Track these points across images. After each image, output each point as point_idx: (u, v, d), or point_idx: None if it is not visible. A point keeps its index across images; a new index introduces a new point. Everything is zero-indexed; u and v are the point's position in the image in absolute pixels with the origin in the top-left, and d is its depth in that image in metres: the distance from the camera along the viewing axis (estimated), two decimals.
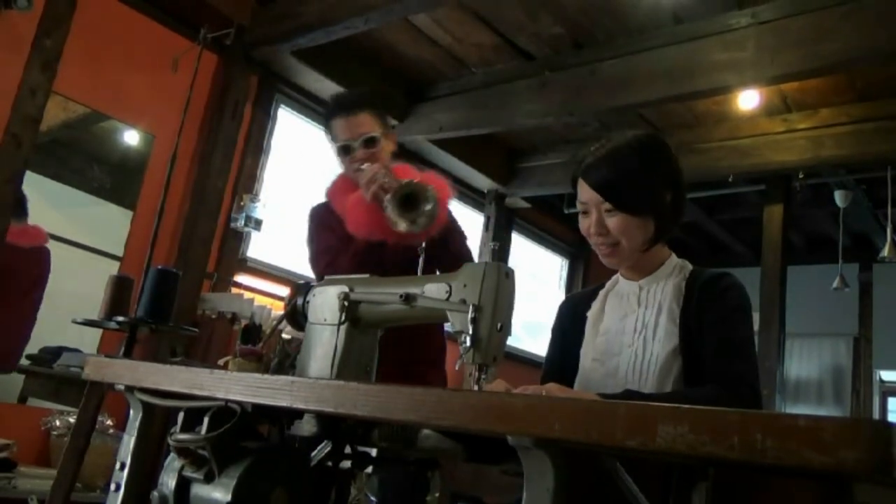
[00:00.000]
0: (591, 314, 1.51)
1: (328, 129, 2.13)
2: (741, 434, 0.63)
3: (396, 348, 1.60)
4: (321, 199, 2.19)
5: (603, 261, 1.46)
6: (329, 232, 2.05)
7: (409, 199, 1.78)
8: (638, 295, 1.44)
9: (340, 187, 2.12)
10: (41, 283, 3.22)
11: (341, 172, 2.18)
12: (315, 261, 2.07)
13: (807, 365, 6.72)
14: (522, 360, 5.80)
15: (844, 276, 5.27)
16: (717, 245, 6.90)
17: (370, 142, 2.06)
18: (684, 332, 1.35)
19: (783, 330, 4.66)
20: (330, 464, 1.30)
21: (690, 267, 1.47)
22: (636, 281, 1.46)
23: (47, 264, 3.25)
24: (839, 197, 4.98)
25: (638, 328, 1.40)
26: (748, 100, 4.27)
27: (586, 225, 1.43)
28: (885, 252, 4.70)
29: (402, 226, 1.79)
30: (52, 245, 3.38)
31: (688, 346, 1.34)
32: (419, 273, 1.32)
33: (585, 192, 1.41)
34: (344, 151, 2.07)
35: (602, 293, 1.53)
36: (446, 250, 1.95)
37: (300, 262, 4.46)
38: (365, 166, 2.00)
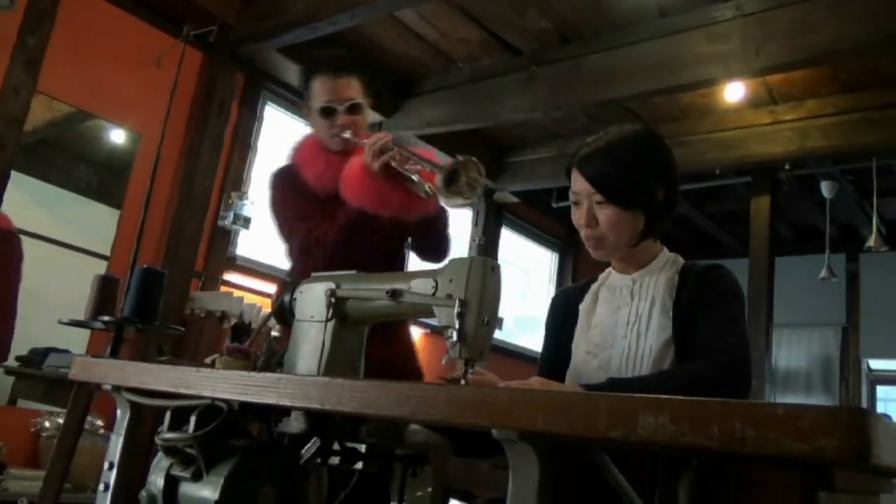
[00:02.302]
0: (583, 307, 1.51)
1: (307, 87, 2.02)
2: (721, 424, 0.64)
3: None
4: (284, 163, 2.08)
5: (591, 252, 1.46)
6: (300, 198, 1.94)
7: (453, 176, 1.74)
8: (631, 288, 1.45)
9: (311, 151, 2.02)
10: (10, 265, 3.10)
11: (310, 134, 2.08)
12: (289, 228, 1.93)
13: (795, 355, 6.77)
14: (513, 355, 5.82)
15: (832, 266, 5.30)
16: (705, 237, 6.93)
17: (355, 108, 1.98)
18: (677, 324, 1.36)
19: (771, 321, 4.69)
20: (319, 460, 1.31)
21: (682, 261, 1.47)
22: (629, 274, 1.47)
23: (16, 247, 3.11)
24: (825, 188, 5.01)
25: (631, 321, 1.40)
26: (734, 92, 4.29)
27: (577, 216, 1.44)
28: (871, 242, 4.74)
29: (454, 201, 1.74)
30: (39, 245, 3.35)
31: (681, 337, 1.35)
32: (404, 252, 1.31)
33: (579, 183, 1.41)
34: (325, 113, 1.96)
35: (594, 286, 1.53)
36: (434, 230, 1.96)
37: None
38: (347, 134, 1.95)
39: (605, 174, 1.37)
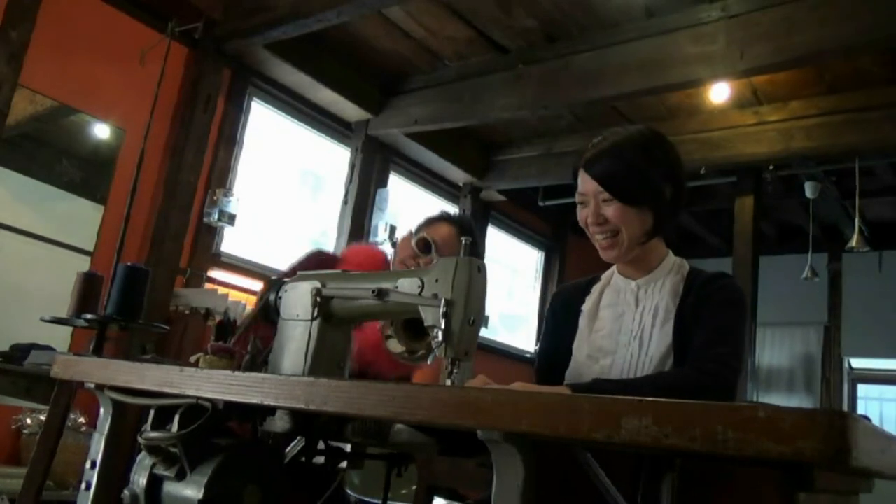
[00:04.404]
0: (585, 309, 1.49)
1: (430, 222, 2.08)
2: (703, 426, 0.64)
3: None
4: (333, 249, 2.07)
5: (601, 254, 1.44)
6: None
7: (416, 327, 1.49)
8: (636, 294, 1.44)
9: (369, 263, 2.05)
10: None
11: (381, 251, 2.14)
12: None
13: (778, 353, 6.83)
14: (500, 353, 5.83)
15: (814, 265, 5.35)
16: (690, 236, 6.97)
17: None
18: (678, 331, 1.35)
19: (755, 319, 4.72)
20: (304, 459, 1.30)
21: (688, 267, 1.46)
22: (634, 279, 1.45)
23: None
24: (809, 188, 5.05)
25: (634, 328, 1.39)
26: (719, 93, 4.32)
27: (584, 216, 1.42)
28: (854, 242, 4.78)
29: (400, 351, 1.54)
30: (21, 241, 3.33)
31: (680, 344, 1.34)
32: None
33: (586, 184, 1.40)
34: (424, 247, 2.01)
35: (597, 288, 1.51)
36: None
37: (275, 257, 4.45)
38: (412, 266, 1.98)
39: (612, 173, 1.37)
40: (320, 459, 1.33)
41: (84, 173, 3.62)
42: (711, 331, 1.32)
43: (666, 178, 1.41)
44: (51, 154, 3.52)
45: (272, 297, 1.37)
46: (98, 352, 2.02)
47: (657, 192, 1.39)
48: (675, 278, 1.42)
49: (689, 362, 1.31)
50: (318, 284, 1.29)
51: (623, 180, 1.36)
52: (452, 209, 5.71)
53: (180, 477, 1.15)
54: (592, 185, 1.38)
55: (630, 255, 1.43)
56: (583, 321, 1.48)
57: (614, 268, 1.51)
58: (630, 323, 1.41)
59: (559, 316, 1.56)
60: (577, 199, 1.43)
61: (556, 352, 1.51)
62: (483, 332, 1.23)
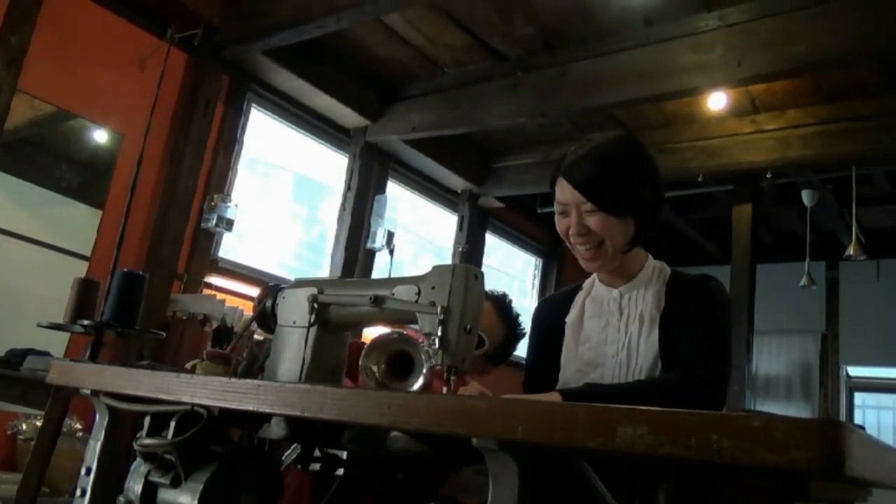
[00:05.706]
0: (570, 320, 1.48)
1: None
2: (698, 434, 0.64)
3: None
4: None
5: (584, 265, 1.43)
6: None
7: (403, 361, 1.33)
8: (619, 302, 1.42)
9: None
10: None
11: None
12: None
13: (776, 361, 6.83)
14: None
15: (812, 273, 5.36)
16: (687, 244, 6.97)
17: None
18: (664, 336, 1.34)
19: (752, 327, 4.73)
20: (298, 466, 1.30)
21: (669, 270, 1.45)
22: (615, 287, 1.44)
23: None
24: (806, 196, 5.07)
25: (621, 338, 1.38)
26: (717, 101, 4.33)
27: (564, 226, 1.40)
28: (851, 250, 4.79)
29: (378, 378, 1.33)
30: (19, 245, 3.32)
31: (667, 350, 1.33)
32: None
33: (565, 193, 1.38)
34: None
35: (580, 297, 1.50)
36: None
37: (272, 263, 4.45)
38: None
39: (593, 181, 1.34)
40: (316, 466, 1.32)
41: (82, 178, 3.62)
42: (698, 334, 1.32)
43: (646, 185, 1.39)
44: (49, 159, 3.52)
45: (269, 303, 1.37)
46: (94, 357, 2.02)
47: (638, 199, 1.37)
48: (657, 284, 1.41)
49: (678, 366, 1.30)
50: (314, 291, 1.29)
51: (604, 189, 1.34)
52: (453, 212, 5.71)
53: (175, 484, 1.15)
54: (573, 195, 1.36)
55: (613, 265, 1.41)
56: (568, 333, 1.47)
57: (594, 276, 1.49)
58: (615, 333, 1.40)
59: (544, 328, 1.55)
60: (557, 208, 1.41)
61: (543, 364, 1.50)
62: None
